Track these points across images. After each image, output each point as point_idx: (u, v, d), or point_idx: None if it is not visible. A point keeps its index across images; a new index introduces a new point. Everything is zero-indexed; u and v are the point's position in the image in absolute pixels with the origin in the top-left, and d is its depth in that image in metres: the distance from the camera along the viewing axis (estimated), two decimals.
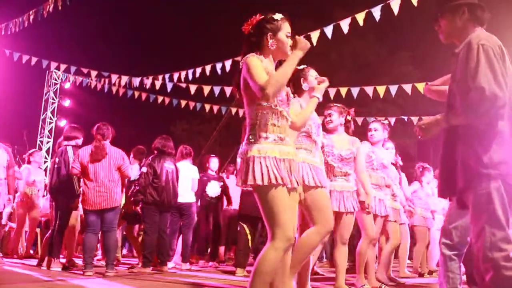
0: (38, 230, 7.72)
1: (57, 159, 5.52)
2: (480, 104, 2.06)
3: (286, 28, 2.44)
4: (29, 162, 7.37)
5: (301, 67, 3.27)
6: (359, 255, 4.28)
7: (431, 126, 2.29)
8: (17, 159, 8.55)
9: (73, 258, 6.00)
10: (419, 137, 2.37)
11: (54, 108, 15.38)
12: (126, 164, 5.22)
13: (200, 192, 6.81)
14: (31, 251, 7.60)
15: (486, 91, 2.04)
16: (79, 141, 5.67)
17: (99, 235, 5.35)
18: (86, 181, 5.04)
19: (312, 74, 3.34)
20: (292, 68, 2.34)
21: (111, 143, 5.29)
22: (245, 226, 5.55)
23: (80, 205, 5.50)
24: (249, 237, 5.46)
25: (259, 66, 2.29)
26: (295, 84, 3.26)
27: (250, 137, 2.34)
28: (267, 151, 2.29)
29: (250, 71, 2.28)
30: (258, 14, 2.48)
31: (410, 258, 6.81)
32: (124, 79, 11.46)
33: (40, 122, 15.23)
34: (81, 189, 5.28)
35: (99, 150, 5.03)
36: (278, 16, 2.45)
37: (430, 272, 6.35)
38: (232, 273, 5.44)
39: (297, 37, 2.37)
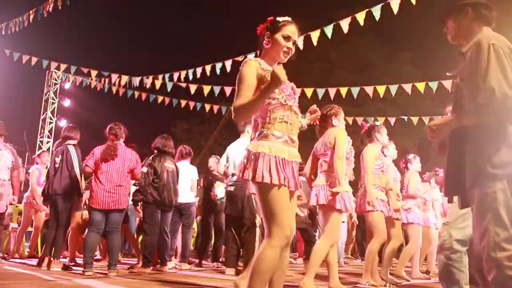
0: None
1: (57, 159, 5.50)
2: (490, 104, 2.06)
3: (286, 31, 2.44)
4: (37, 163, 7.37)
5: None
6: (369, 254, 4.40)
7: (443, 127, 2.28)
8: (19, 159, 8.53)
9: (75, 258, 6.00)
10: (430, 138, 2.36)
11: (54, 108, 15.40)
12: (139, 167, 5.24)
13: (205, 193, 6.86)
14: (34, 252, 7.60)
15: (496, 91, 2.03)
16: (77, 141, 5.67)
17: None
18: (97, 180, 5.03)
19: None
20: (262, 101, 2.26)
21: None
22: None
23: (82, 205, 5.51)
24: (236, 237, 5.44)
25: (247, 81, 2.30)
26: None
27: (263, 133, 2.35)
28: (277, 151, 2.30)
29: (238, 83, 2.32)
30: (272, 17, 2.50)
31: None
32: (124, 79, 11.46)
33: (40, 122, 15.25)
34: (83, 188, 5.29)
35: (111, 150, 5.04)
36: (281, 18, 2.47)
37: (427, 272, 6.34)
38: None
39: (273, 69, 2.22)
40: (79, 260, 5.94)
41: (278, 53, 2.44)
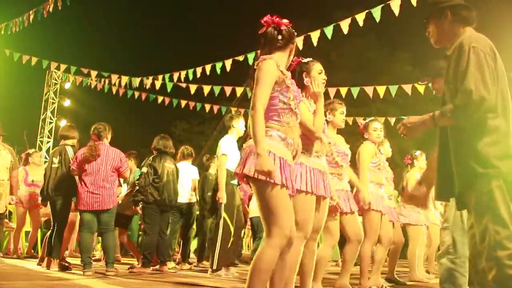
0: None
1: (55, 159, 5.49)
2: (467, 106, 2.07)
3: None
4: (26, 163, 7.36)
5: (306, 60, 3.10)
6: (363, 257, 4.31)
7: (417, 125, 2.27)
8: (17, 159, 8.53)
9: (70, 258, 5.99)
10: (402, 135, 2.34)
11: (54, 108, 15.37)
12: (125, 165, 5.22)
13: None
14: (32, 251, 7.60)
15: (473, 93, 2.04)
16: (75, 141, 5.67)
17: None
18: (81, 181, 5.05)
19: (317, 68, 3.10)
20: (258, 142, 2.24)
21: (111, 143, 5.30)
22: None
23: None
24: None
25: (268, 79, 2.31)
26: (297, 77, 3.02)
27: (267, 132, 2.33)
28: (282, 152, 2.31)
29: (258, 79, 2.32)
30: (286, 18, 2.53)
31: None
32: (124, 79, 11.46)
33: (40, 122, 15.22)
34: None
35: (92, 150, 5.02)
36: (285, 22, 2.52)
37: (427, 272, 6.33)
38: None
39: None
40: (77, 261, 5.94)
41: (288, 63, 2.55)
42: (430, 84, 3.41)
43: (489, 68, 2.09)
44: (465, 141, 2.13)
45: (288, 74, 2.44)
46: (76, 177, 5.34)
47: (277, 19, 2.50)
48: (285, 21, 2.50)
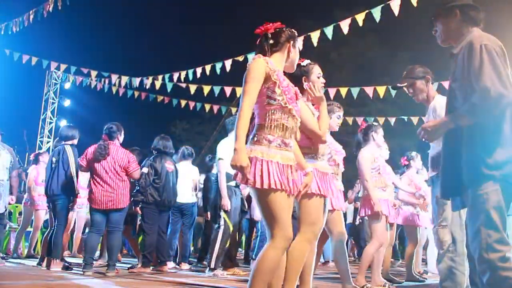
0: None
1: (54, 159, 5.49)
2: (486, 104, 2.07)
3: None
4: (36, 163, 7.37)
5: (305, 62, 3.08)
6: (365, 256, 4.31)
7: (437, 128, 2.27)
8: (17, 159, 8.54)
9: (70, 258, 6.00)
10: (424, 140, 2.35)
11: (54, 108, 15.39)
12: (133, 166, 5.18)
13: None
14: (32, 251, 7.60)
15: (491, 91, 2.04)
16: (75, 141, 5.67)
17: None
18: (94, 180, 5.06)
19: (316, 71, 3.10)
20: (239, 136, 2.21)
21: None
22: None
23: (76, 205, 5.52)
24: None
25: (254, 77, 2.30)
26: (296, 80, 2.95)
27: (255, 137, 2.34)
28: (270, 155, 2.29)
29: (245, 78, 2.31)
30: (287, 18, 2.58)
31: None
32: (124, 79, 11.47)
33: (40, 122, 15.24)
34: (79, 188, 5.30)
35: (100, 150, 5.04)
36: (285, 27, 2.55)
37: (425, 272, 6.31)
38: (235, 274, 5.43)
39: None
40: (70, 259, 5.95)
41: (293, 63, 2.58)
42: (405, 88, 3.44)
43: (503, 66, 2.10)
44: (476, 140, 2.14)
45: (279, 70, 2.40)
46: (75, 178, 5.36)
47: (268, 25, 2.51)
48: (276, 24, 2.51)
